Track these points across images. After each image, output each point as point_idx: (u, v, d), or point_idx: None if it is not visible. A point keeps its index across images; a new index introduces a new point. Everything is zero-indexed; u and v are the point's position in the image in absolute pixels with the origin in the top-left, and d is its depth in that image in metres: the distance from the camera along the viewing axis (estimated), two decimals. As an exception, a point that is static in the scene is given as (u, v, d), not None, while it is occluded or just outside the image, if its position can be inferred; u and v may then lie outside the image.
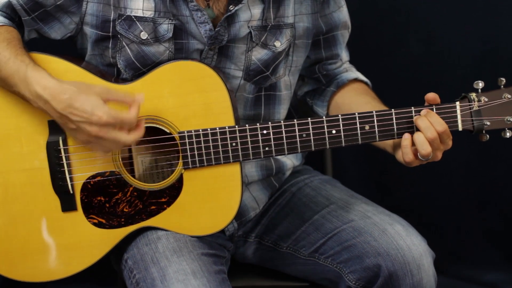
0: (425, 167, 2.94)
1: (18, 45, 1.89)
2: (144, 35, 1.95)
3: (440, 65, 2.92)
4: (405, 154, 1.88)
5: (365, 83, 2.20)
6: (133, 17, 1.95)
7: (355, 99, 2.13)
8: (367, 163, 3.03)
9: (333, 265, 2.03)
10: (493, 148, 2.97)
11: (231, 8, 1.95)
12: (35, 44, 2.02)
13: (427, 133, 1.85)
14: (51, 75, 1.84)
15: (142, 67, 1.97)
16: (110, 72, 2.01)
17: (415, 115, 1.89)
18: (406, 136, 1.89)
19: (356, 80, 2.19)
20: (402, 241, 1.93)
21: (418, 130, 1.88)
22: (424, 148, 1.86)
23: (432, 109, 1.89)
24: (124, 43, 1.97)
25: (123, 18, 1.95)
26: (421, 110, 1.89)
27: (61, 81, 1.83)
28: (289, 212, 2.16)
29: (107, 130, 1.79)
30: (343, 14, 2.14)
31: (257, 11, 2.00)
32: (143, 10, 1.95)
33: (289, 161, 2.22)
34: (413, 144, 1.88)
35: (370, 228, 1.97)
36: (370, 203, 2.08)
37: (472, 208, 3.05)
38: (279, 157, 2.18)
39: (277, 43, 2.03)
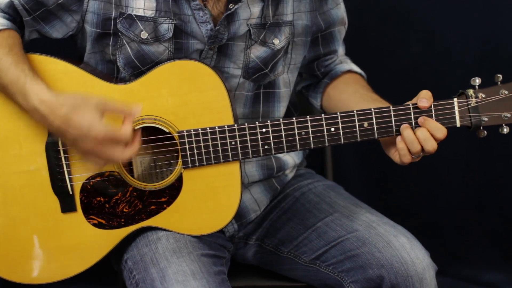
0: (425, 167, 2.97)
1: (19, 52, 1.89)
2: (144, 35, 1.95)
3: (440, 65, 2.92)
4: (403, 156, 1.89)
5: (359, 74, 2.21)
6: (134, 16, 1.95)
7: (345, 89, 2.14)
8: (367, 163, 3.03)
9: (334, 274, 2.03)
10: (493, 148, 2.98)
11: (231, 7, 1.96)
12: (35, 43, 2.02)
13: (426, 146, 1.87)
14: (50, 88, 1.83)
15: (141, 66, 1.97)
16: (109, 71, 2.01)
17: (413, 112, 1.90)
18: (400, 139, 1.90)
19: (350, 71, 2.20)
20: (406, 254, 1.94)
21: (418, 126, 1.89)
22: (414, 146, 1.87)
23: (430, 107, 1.90)
24: (124, 41, 1.97)
25: (124, 16, 1.95)
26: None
27: (58, 95, 1.82)
28: (292, 217, 2.15)
29: (103, 146, 1.80)
30: (340, 11, 2.15)
31: (256, 9, 2.00)
32: (144, 9, 1.95)
33: (290, 159, 2.22)
34: None
35: (374, 239, 1.97)
36: (374, 213, 2.08)
37: (472, 208, 3.05)
38: (279, 155, 2.18)
39: (276, 41, 2.03)
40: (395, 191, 3.06)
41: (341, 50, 2.23)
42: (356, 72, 2.20)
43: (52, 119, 1.81)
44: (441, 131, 1.88)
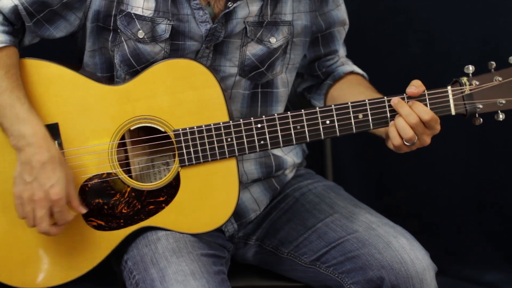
0: (424, 167, 2.97)
1: (15, 75, 1.89)
2: (141, 34, 1.96)
3: (440, 65, 2.92)
4: (393, 138, 1.90)
5: (362, 75, 2.21)
6: (132, 14, 1.96)
7: (350, 90, 2.14)
8: (367, 163, 3.02)
9: (334, 275, 2.03)
10: (493, 148, 2.97)
11: (230, 5, 1.96)
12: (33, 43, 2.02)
13: (409, 119, 1.87)
14: (44, 125, 1.86)
15: (136, 64, 1.97)
16: (108, 69, 2.02)
17: (407, 102, 1.90)
18: (392, 123, 1.90)
19: (352, 73, 2.20)
20: (406, 255, 1.94)
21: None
22: (406, 132, 1.88)
23: (424, 95, 1.90)
24: (122, 38, 1.98)
25: (123, 14, 1.96)
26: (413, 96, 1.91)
27: (51, 139, 1.87)
28: (292, 217, 2.15)
29: (45, 206, 1.85)
30: (341, 12, 2.15)
31: (255, 8, 2.01)
32: (143, 8, 1.96)
33: (290, 158, 2.22)
34: None
35: (374, 240, 1.98)
36: (374, 213, 2.09)
37: (472, 208, 3.04)
38: (278, 153, 2.18)
39: (272, 39, 2.04)
40: (394, 191, 3.06)
41: (342, 51, 2.23)
42: (358, 74, 2.21)
43: (33, 152, 1.84)
44: (427, 113, 1.87)
